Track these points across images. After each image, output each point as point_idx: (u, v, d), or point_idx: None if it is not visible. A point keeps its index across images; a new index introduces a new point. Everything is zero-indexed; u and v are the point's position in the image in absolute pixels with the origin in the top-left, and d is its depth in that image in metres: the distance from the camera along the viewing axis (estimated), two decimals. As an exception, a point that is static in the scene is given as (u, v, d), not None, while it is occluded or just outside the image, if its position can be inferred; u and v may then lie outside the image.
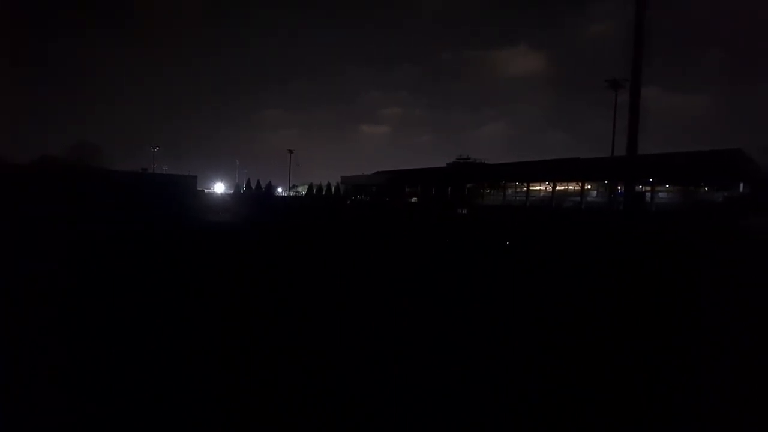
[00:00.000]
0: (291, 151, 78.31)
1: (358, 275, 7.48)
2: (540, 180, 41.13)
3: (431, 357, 3.75)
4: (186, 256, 8.92)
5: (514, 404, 3.00)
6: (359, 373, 3.37)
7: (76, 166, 28.06)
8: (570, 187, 38.82)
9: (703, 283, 7.51)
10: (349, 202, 58.44)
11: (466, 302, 5.73)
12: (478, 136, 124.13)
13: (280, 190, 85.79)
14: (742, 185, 28.76)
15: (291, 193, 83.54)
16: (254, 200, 54.47)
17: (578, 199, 36.78)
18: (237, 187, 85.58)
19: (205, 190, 74.05)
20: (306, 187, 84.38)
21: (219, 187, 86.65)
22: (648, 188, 32.60)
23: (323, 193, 78.38)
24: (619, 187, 32.39)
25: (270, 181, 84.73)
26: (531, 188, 41.98)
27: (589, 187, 37.20)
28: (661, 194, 32.91)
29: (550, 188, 40.37)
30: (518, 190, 43.25)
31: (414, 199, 54.30)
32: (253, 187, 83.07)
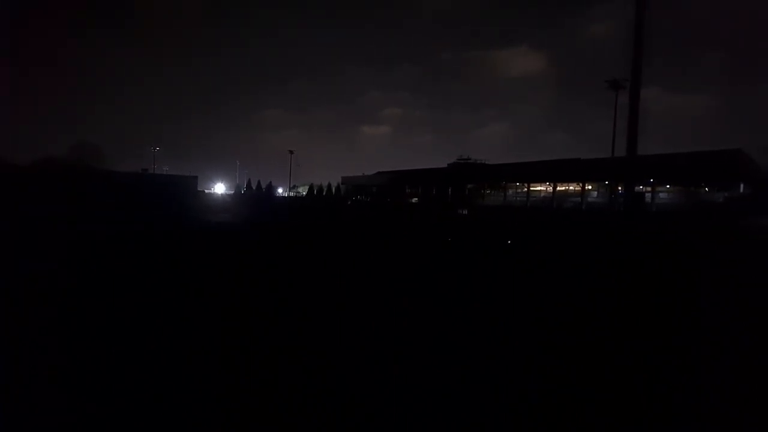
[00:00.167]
0: (291, 152, 78.46)
1: (358, 275, 7.48)
2: (540, 180, 41.16)
3: (431, 357, 3.75)
4: (186, 256, 8.92)
5: (514, 404, 2.99)
6: (359, 373, 3.37)
7: (76, 166, 28.08)
8: (571, 188, 38.83)
9: (703, 283, 7.50)
10: (349, 202, 58.45)
11: (466, 302, 5.73)
12: (478, 137, 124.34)
13: (280, 190, 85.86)
14: (742, 185, 28.77)
15: (291, 194, 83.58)
16: (255, 201, 54.50)
17: (579, 199, 36.79)
18: (237, 188, 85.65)
19: (206, 191, 74.12)
20: (306, 187, 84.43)
21: (219, 188, 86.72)
22: (648, 189, 32.62)
23: (324, 193, 78.44)
24: (619, 188, 32.38)
25: (270, 182, 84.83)
26: (531, 189, 42.00)
27: (590, 187, 37.22)
28: (661, 194, 32.93)
29: (550, 189, 40.39)
30: (519, 190, 43.27)
31: (414, 200, 54.32)
32: (254, 188, 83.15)
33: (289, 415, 2.74)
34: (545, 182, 40.95)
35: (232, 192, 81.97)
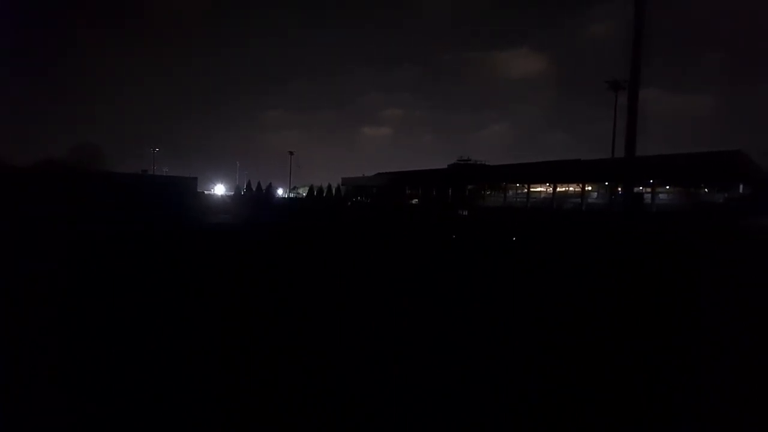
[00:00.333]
0: (291, 153, 78.49)
1: (358, 275, 7.48)
2: (541, 181, 41.18)
3: (431, 357, 3.75)
4: (186, 256, 8.93)
5: (514, 404, 2.99)
6: (359, 373, 3.37)
7: (76, 167, 28.10)
8: (571, 189, 38.85)
9: (703, 283, 7.50)
10: (349, 203, 58.43)
11: (467, 302, 5.73)
12: (478, 137, 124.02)
13: (280, 191, 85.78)
14: (741, 186, 28.80)
15: (291, 195, 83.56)
16: (254, 202, 54.49)
17: (579, 200, 36.82)
18: (237, 189, 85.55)
19: (206, 192, 74.03)
20: (307, 188, 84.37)
21: (219, 189, 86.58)
22: (648, 189, 32.64)
23: (324, 194, 78.37)
24: (619, 189, 32.42)
25: (270, 183, 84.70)
26: (532, 189, 42.02)
27: (590, 188, 37.25)
28: (661, 195, 32.96)
29: (550, 189, 40.41)
30: (519, 191, 43.29)
31: (415, 201, 54.32)
32: (254, 189, 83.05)
33: (289, 415, 2.74)
34: (545, 183, 40.98)
35: (232, 193, 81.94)
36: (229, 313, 4.83)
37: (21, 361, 3.39)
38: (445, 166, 54.90)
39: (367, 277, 7.43)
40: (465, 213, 32.27)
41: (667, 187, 32.72)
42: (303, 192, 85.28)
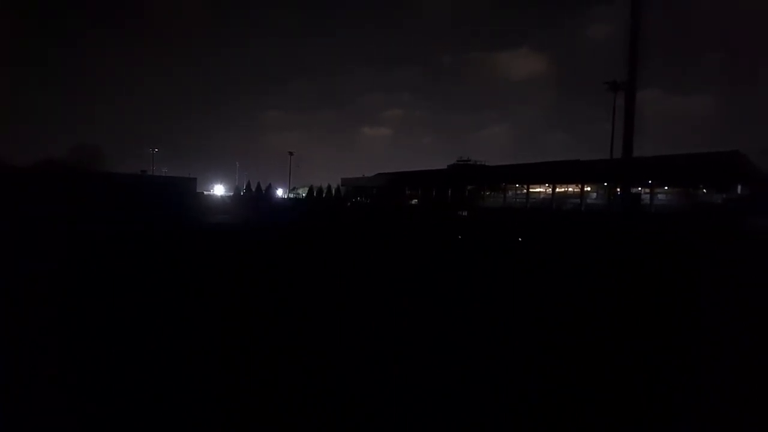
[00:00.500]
0: (291, 153, 78.50)
1: (358, 276, 7.48)
2: (540, 182, 41.20)
3: (431, 357, 3.75)
4: (186, 256, 8.92)
5: (514, 404, 3.00)
6: (359, 373, 3.37)
7: (76, 167, 28.07)
8: (570, 189, 38.88)
9: (702, 283, 7.51)
10: (349, 204, 58.41)
11: (466, 302, 5.74)
12: (478, 138, 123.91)
13: (280, 192, 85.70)
14: (740, 186, 28.83)
15: (291, 195, 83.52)
16: (254, 202, 54.45)
17: (578, 200, 36.84)
18: (237, 189, 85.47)
19: (205, 192, 74.01)
20: (306, 189, 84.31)
21: (219, 189, 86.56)
22: (647, 190, 32.68)
23: (324, 195, 78.30)
24: (618, 189, 32.47)
25: (270, 183, 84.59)
26: (531, 190, 42.04)
27: (589, 189, 37.28)
28: (660, 196, 33.00)
29: (550, 190, 40.44)
30: (518, 192, 43.31)
31: (414, 201, 54.31)
32: (253, 189, 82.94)
33: (289, 415, 2.74)
34: (545, 183, 41.00)
35: (232, 194, 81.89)
36: (229, 313, 4.83)
37: (21, 361, 3.39)
38: (445, 167, 54.89)
39: (366, 277, 7.43)
40: (465, 213, 32.28)
41: (666, 187, 32.77)
42: (303, 192, 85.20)
